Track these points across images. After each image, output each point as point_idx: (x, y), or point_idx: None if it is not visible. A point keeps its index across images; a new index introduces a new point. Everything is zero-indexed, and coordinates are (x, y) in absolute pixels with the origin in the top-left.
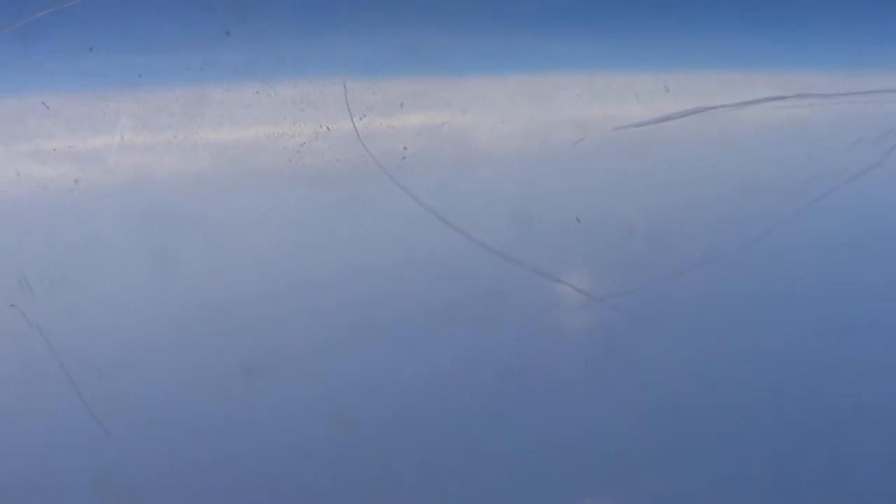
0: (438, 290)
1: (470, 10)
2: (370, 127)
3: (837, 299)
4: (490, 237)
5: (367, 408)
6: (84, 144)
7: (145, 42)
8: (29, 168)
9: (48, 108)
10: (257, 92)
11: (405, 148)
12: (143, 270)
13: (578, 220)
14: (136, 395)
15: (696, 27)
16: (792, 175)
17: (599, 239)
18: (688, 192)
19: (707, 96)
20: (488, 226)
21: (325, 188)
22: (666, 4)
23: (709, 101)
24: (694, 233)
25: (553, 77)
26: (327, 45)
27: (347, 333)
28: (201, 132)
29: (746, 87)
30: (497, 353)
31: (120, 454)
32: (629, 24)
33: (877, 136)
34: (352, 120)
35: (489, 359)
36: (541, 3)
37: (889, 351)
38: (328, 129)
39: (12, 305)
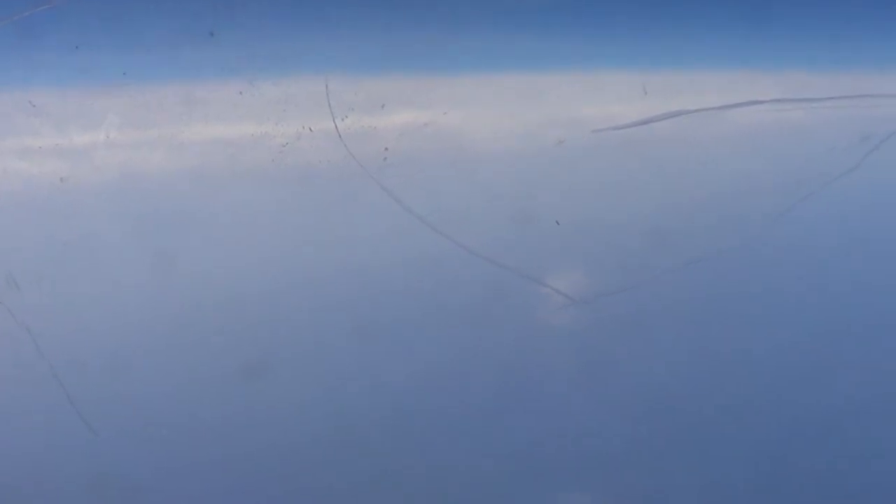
0: (420, 291)
1: (454, 9)
2: (352, 127)
3: (820, 304)
4: (472, 239)
5: (353, 409)
6: (69, 142)
7: (130, 40)
8: (14, 166)
9: (34, 105)
10: (241, 92)
11: (386, 149)
12: (128, 268)
13: (558, 223)
14: (122, 395)
15: (683, 26)
16: (771, 179)
17: (581, 241)
18: (669, 195)
19: (691, 96)
20: (470, 227)
21: (308, 189)
22: (650, 3)
23: (691, 102)
24: (677, 235)
25: (537, 77)
26: (311, 44)
27: (330, 334)
28: (185, 131)
29: (730, 86)
30: (479, 356)
31: (108, 454)
32: (615, 23)
33: (855, 139)
34: (333, 121)
35: (471, 361)
36: (528, 2)
37: (879, 351)
38: (311, 129)
39: None
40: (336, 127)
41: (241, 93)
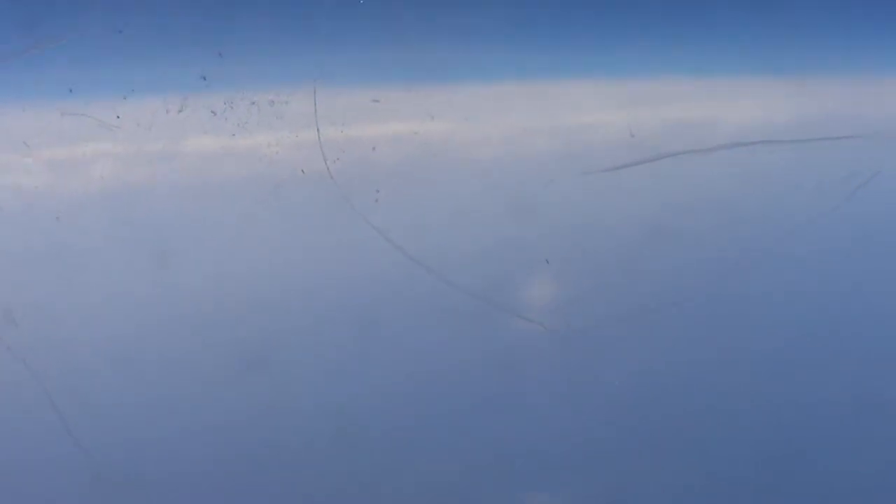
0: (382, 307)
1: (443, 22)
2: (334, 138)
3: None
4: (443, 260)
5: (346, 413)
6: (53, 155)
7: (117, 54)
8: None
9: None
10: (226, 103)
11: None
12: (120, 277)
13: (547, 262)
14: (105, 403)
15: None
16: (755, 217)
17: (556, 273)
18: (648, 227)
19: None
20: (444, 249)
21: (289, 199)
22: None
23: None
24: (657, 268)
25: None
26: (298, 56)
27: (326, 339)
28: (172, 143)
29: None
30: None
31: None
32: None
33: (839, 179)
34: (318, 132)
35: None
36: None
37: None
38: (294, 137)
39: None
40: (319, 140)
41: (226, 103)
